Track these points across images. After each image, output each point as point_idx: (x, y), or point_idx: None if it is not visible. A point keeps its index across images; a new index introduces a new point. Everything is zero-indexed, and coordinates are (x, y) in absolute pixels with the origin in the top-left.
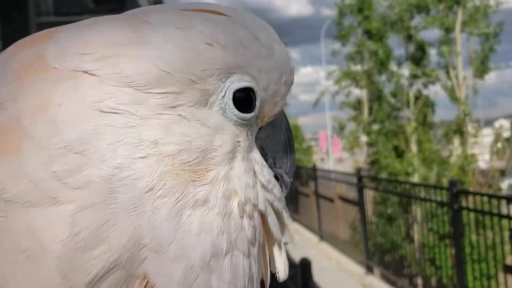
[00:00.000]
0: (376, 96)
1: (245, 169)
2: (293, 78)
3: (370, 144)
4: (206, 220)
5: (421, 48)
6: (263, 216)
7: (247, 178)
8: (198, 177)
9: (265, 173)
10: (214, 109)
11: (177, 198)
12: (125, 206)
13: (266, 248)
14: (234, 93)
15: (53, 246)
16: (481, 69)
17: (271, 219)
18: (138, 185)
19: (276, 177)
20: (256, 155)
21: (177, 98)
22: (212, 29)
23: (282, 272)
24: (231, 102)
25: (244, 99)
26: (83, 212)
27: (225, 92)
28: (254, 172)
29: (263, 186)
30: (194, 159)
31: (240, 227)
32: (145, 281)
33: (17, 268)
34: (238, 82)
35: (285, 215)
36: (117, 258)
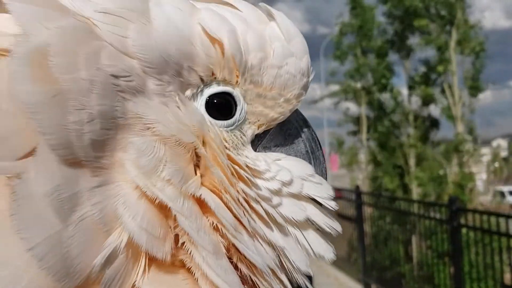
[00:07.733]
0: (376, 112)
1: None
2: (297, 95)
3: (372, 161)
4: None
5: (419, 67)
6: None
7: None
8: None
9: (260, 165)
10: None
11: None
12: None
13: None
14: (211, 98)
15: None
16: (475, 86)
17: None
18: None
19: None
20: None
21: (171, 84)
22: (217, 23)
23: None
24: (203, 108)
25: (223, 105)
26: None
27: (198, 95)
28: (241, 170)
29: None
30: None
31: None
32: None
33: None
34: (213, 87)
35: (310, 190)
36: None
